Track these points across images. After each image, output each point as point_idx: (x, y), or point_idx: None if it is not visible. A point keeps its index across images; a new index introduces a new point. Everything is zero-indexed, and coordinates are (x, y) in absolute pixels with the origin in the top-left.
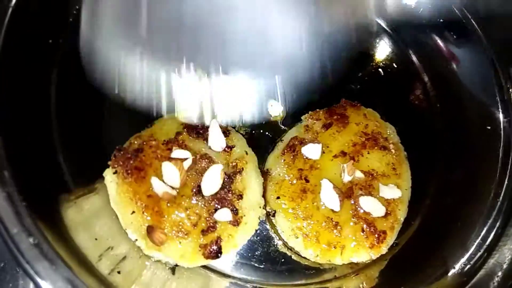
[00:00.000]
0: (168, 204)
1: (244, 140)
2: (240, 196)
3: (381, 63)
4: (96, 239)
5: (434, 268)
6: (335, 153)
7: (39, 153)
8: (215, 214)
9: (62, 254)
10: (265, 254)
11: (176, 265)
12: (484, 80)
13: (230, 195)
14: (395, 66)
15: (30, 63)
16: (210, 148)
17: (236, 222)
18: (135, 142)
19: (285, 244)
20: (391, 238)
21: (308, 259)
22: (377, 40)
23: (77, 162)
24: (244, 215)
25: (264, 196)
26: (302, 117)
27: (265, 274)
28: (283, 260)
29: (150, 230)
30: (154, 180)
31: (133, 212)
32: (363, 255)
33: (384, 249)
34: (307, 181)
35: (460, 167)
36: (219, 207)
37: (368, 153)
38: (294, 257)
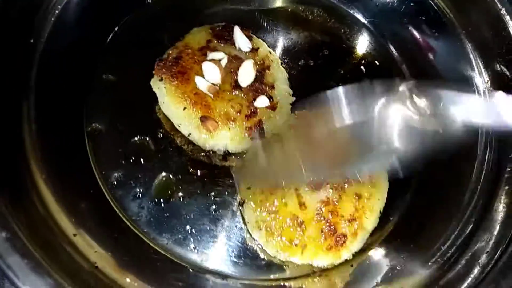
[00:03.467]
0: (213, 98)
1: (266, 44)
2: (272, 87)
3: (361, 59)
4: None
5: (406, 266)
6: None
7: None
8: (255, 102)
9: (34, 249)
10: (244, 249)
11: (226, 153)
12: (461, 71)
13: (263, 86)
14: (376, 62)
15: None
16: (239, 50)
17: (272, 108)
18: (173, 52)
19: (251, 236)
20: (353, 245)
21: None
22: (357, 35)
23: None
24: (278, 101)
25: (237, 185)
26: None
27: (244, 269)
28: (261, 255)
29: (203, 119)
30: (198, 79)
31: (185, 108)
32: (323, 258)
33: (344, 254)
34: None
35: (440, 163)
36: (256, 96)
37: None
38: (259, 250)
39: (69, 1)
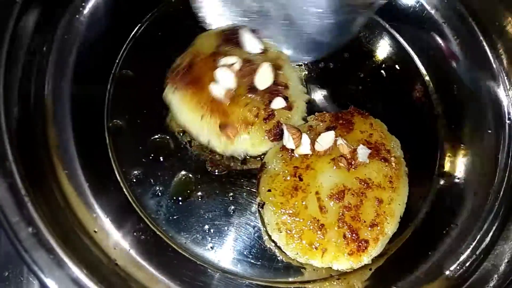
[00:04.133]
0: (229, 104)
1: (274, 44)
2: (286, 86)
3: (381, 63)
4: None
5: (425, 273)
6: (334, 156)
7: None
8: (272, 104)
9: (58, 244)
10: (262, 251)
11: (246, 157)
12: (484, 79)
13: (278, 87)
14: (397, 67)
15: None
16: (249, 53)
17: (289, 108)
18: (184, 60)
19: (270, 238)
20: (374, 250)
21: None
22: (378, 39)
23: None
24: (294, 101)
25: (257, 187)
26: (308, 118)
27: (261, 271)
28: (279, 257)
29: (223, 127)
30: (213, 86)
31: (202, 117)
32: (343, 262)
33: (365, 259)
34: (300, 179)
35: (460, 170)
36: (272, 97)
37: (368, 162)
38: (277, 252)
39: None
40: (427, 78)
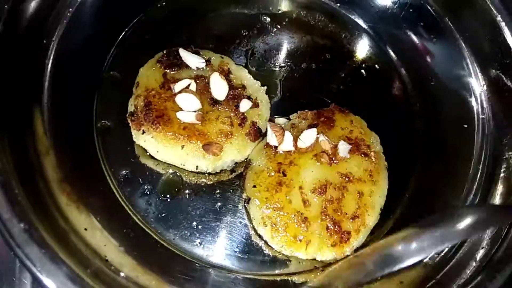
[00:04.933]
0: (202, 124)
1: (211, 52)
2: (243, 87)
3: (361, 63)
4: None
5: None
6: (316, 152)
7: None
8: (240, 108)
9: (51, 239)
10: (249, 245)
11: (235, 164)
12: (458, 75)
13: (236, 90)
14: (376, 66)
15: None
16: (195, 69)
17: (255, 105)
18: (139, 101)
19: (256, 232)
20: (356, 241)
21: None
22: (358, 40)
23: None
24: (256, 97)
25: (242, 184)
26: (291, 116)
27: (248, 264)
28: (266, 251)
29: (207, 147)
30: (180, 113)
31: (183, 146)
32: (327, 254)
33: (347, 250)
34: (284, 175)
35: (437, 163)
36: (237, 102)
37: (349, 157)
38: (264, 246)
39: (82, 3)
40: (405, 76)
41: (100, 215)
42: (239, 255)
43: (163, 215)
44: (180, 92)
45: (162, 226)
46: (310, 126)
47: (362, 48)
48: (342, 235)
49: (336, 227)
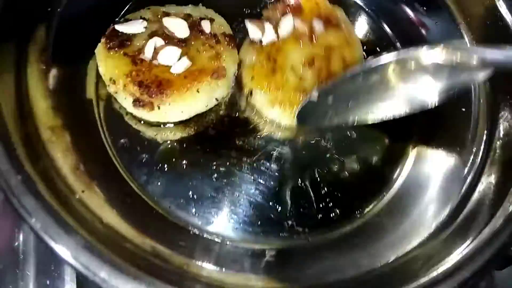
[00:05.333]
0: (193, 64)
1: (136, 12)
2: (189, 15)
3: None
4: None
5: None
6: (296, 35)
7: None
8: (205, 30)
9: (46, 192)
10: (243, 216)
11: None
12: None
13: (189, 20)
14: (371, 38)
15: None
16: (143, 30)
17: (211, 20)
18: (129, 88)
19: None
20: None
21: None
22: (352, 15)
23: None
24: (205, 15)
25: (241, 82)
26: (263, 11)
27: (241, 234)
28: (259, 222)
29: (215, 75)
30: (173, 69)
31: (198, 90)
32: None
33: None
34: (275, 61)
35: (435, 142)
36: (199, 28)
37: (324, 31)
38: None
39: None
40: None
41: (97, 180)
42: (234, 225)
43: (159, 184)
44: (155, 54)
45: (157, 194)
46: (283, 15)
47: (357, 22)
48: None
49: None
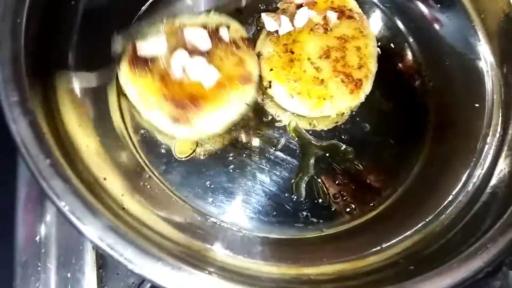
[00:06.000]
0: (221, 73)
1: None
2: (204, 26)
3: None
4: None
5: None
6: (311, 27)
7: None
8: (224, 38)
9: (74, 177)
10: (259, 206)
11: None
12: (467, 43)
13: (206, 30)
14: (385, 34)
15: None
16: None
17: (227, 27)
18: (164, 108)
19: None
20: (367, 86)
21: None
22: (366, 10)
23: None
24: (221, 23)
25: (260, 74)
26: (278, 4)
27: (256, 224)
28: (274, 212)
29: (243, 81)
30: (204, 83)
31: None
32: (348, 101)
33: (362, 95)
34: (292, 52)
35: (447, 138)
36: (218, 36)
37: (339, 22)
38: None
39: None
40: (414, 44)
41: (119, 169)
42: (250, 214)
43: (177, 174)
44: (182, 69)
45: (176, 184)
46: (299, 7)
47: (371, 18)
48: (356, 82)
49: (349, 78)
